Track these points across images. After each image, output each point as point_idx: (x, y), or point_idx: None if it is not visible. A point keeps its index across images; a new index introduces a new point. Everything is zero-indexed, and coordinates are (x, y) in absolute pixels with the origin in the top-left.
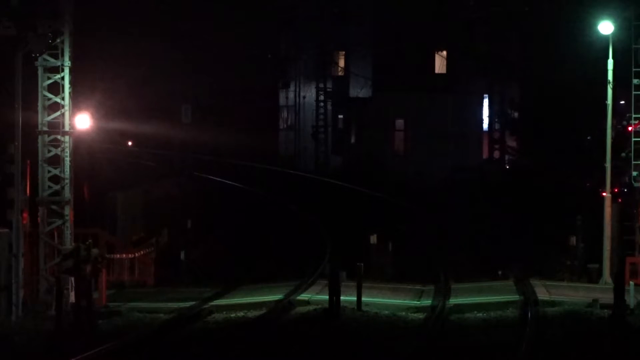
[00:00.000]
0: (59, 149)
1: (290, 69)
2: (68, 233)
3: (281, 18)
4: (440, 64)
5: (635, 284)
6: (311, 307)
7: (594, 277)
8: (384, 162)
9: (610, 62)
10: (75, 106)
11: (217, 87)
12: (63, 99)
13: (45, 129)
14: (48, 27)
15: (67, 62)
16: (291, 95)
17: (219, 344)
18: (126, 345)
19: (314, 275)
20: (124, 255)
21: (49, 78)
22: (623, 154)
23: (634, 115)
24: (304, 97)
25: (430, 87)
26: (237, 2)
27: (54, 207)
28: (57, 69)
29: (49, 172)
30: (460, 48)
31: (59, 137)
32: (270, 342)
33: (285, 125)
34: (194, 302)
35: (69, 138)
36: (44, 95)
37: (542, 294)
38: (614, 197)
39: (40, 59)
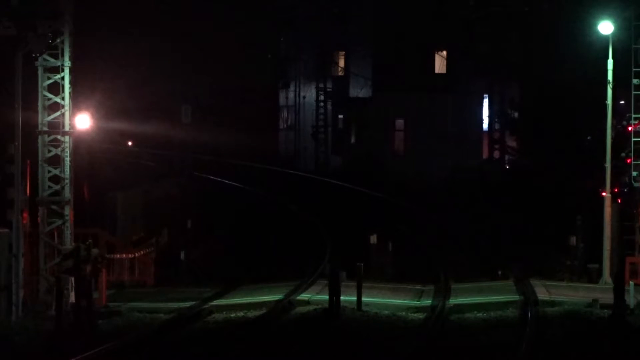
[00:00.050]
0: (59, 149)
1: (290, 69)
2: (68, 233)
3: (281, 18)
4: (440, 64)
5: (635, 284)
6: (311, 307)
7: (594, 277)
8: (384, 162)
9: (610, 62)
10: (75, 106)
11: (217, 87)
12: (63, 99)
13: (45, 129)
14: (48, 27)
15: (67, 62)
16: (291, 95)
17: (219, 344)
18: (126, 345)
19: (314, 275)
20: (124, 255)
21: (49, 78)
22: (623, 154)
23: (634, 115)
24: (304, 97)
25: (430, 87)
26: (237, 2)
27: (54, 207)
28: (57, 69)
29: (49, 172)
30: (460, 48)
31: (59, 137)
32: (270, 342)
33: (285, 125)
34: (194, 302)
35: (69, 138)
36: (44, 95)
37: (542, 294)
38: (614, 197)
39: (40, 59)
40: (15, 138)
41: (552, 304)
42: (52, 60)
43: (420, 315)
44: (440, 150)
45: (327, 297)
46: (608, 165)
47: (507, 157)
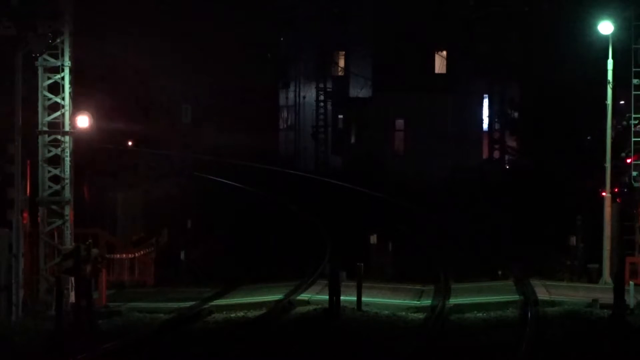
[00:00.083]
0: (59, 149)
1: (290, 69)
2: (68, 233)
3: (281, 18)
4: (440, 64)
5: (635, 284)
6: (311, 307)
7: (594, 277)
8: (384, 162)
9: (610, 62)
10: (75, 106)
11: (217, 87)
12: (63, 99)
13: (45, 129)
14: (48, 27)
15: (67, 62)
16: (291, 95)
17: (219, 344)
18: (126, 345)
19: (314, 275)
20: (124, 255)
21: (49, 78)
22: (623, 154)
23: (633, 115)
24: (304, 97)
25: (430, 87)
26: (237, 2)
27: (54, 207)
28: (57, 69)
29: (49, 172)
30: (460, 48)
31: (59, 137)
32: (270, 342)
33: (285, 125)
34: (194, 302)
35: (69, 138)
36: (44, 95)
37: (542, 294)
38: (614, 197)
39: (40, 59)
40: (15, 138)
41: (552, 304)
42: (52, 60)
43: (420, 315)
44: (440, 150)
45: (327, 297)
46: (608, 165)
47: (507, 157)
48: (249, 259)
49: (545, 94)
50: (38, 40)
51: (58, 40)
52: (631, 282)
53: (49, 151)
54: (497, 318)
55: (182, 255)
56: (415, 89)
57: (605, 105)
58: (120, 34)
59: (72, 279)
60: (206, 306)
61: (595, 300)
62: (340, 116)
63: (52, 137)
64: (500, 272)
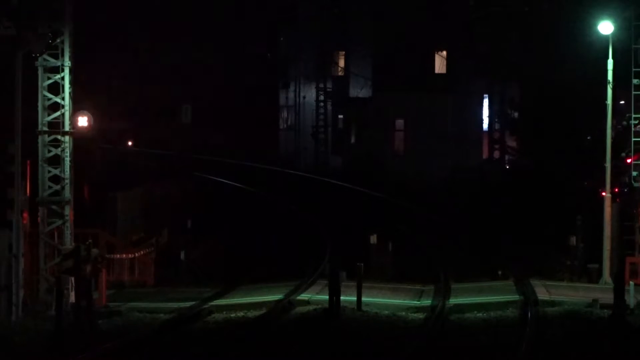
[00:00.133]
0: (59, 149)
1: (290, 69)
2: (68, 233)
3: (281, 18)
4: (440, 64)
5: (635, 284)
6: (311, 307)
7: (594, 277)
8: (384, 162)
9: (610, 62)
10: (76, 106)
11: (217, 87)
12: (63, 99)
13: (45, 129)
14: (48, 27)
15: (67, 62)
16: (291, 95)
17: (219, 344)
18: (126, 345)
19: (314, 275)
20: (124, 255)
21: (49, 78)
22: (623, 154)
23: (634, 115)
24: (304, 97)
25: (430, 87)
26: (237, 2)
27: (54, 207)
28: (57, 69)
29: (49, 172)
30: (460, 48)
31: (59, 137)
32: (270, 342)
33: (285, 125)
34: (194, 302)
35: (69, 138)
36: (44, 95)
37: (542, 294)
38: (614, 197)
39: (40, 59)
40: (15, 138)
41: (552, 304)
42: (52, 60)
43: (420, 315)
44: (440, 150)
45: (327, 297)
46: (608, 165)
47: (507, 157)
48: (249, 259)
49: (545, 94)
50: (38, 40)
51: (58, 40)
52: (631, 282)
53: (49, 151)
54: (497, 318)
55: (182, 255)
56: (415, 89)
57: (605, 105)
58: (121, 33)
59: (72, 279)
60: (206, 306)
61: (595, 300)
62: (340, 116)
63: (52, 137)
64: (500, 272)
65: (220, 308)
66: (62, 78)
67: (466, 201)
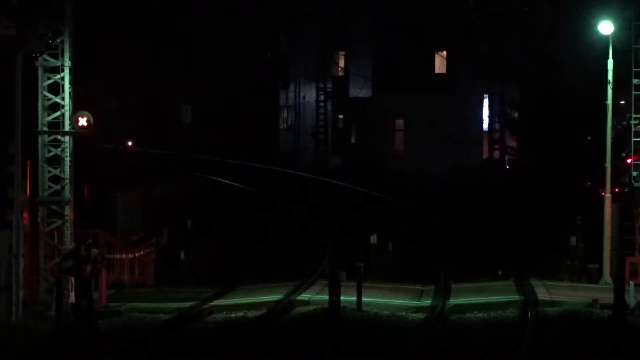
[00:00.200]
0: (59, 149)
1: (290, 69)
2: (68, 233)
3: (281, 18)
4: (440, 64)
5: (635, 284)
6: (311, 307)
7: (594, 277)
8: (384, 162)
9: (610, 62)
10: (75, 106)
11: (217, 87)
12: (63, 99)
13: (45, 129)
14: (48, 27)
15: (67, 62)
16: (291, 95)
17: (219, 344)
18: (126, 345)
19: (314, 275)
20: (124, 255)
21: (49, 78)
22: (623, 154)
23: (634, 115)
24: (304, 97)
25: (430, 87)
26: (237, 2)
27: (54, 207)
28: (57, 69)
29: (49, 172)
30: (460, 48)
31: (59, 137)
32: (270, 342)
33: (285, 125)
34: (194, 302)
35: (69, 138)
36: (44, 95)
37: (542, 294)
38: (614, 197)
39: (40, 59)
40: (15, 138)
41: (552, 304)
42: (52, 60)
43: (420, 315)
44: (440, 150)
45: (327, 297)
46: (608, 165)
47: (507, 157)
48: (249, 259)
49: (545, 94)
50: (38, 40)
51: (58, 40)
52: (631, 282)
53: (49, 151)
54: (497, 318)
55: (182, 255)
56: (415, 89)
57: (605, 105)
58: (121, 33)
59: (72, 279)
60: (206, 306)
61: (595, 300)
62: (340, 116)
63: (52, 137)
64: (500, 272)
65: (220, 308)
66: (62, 78)
67: (466, 201)
